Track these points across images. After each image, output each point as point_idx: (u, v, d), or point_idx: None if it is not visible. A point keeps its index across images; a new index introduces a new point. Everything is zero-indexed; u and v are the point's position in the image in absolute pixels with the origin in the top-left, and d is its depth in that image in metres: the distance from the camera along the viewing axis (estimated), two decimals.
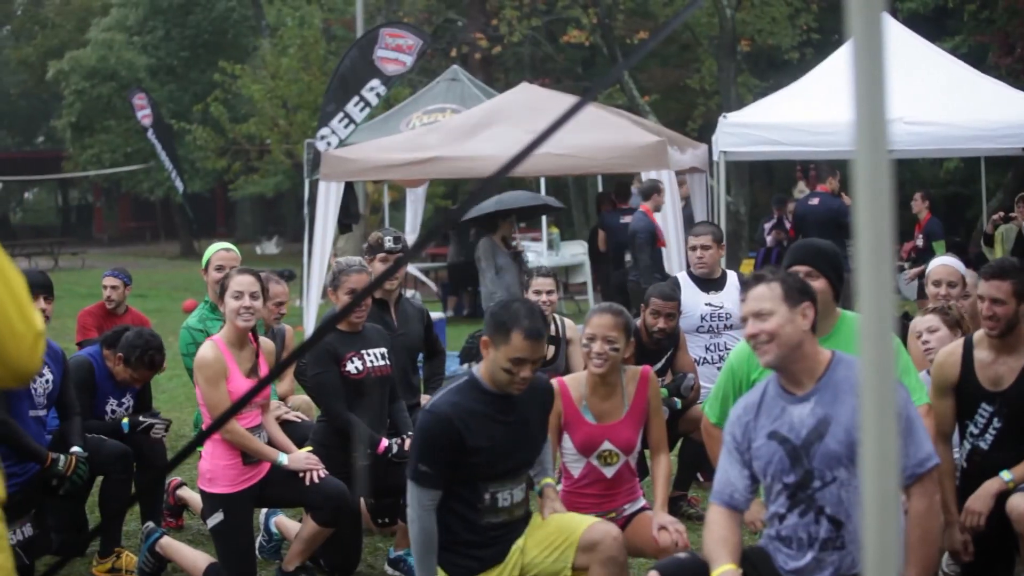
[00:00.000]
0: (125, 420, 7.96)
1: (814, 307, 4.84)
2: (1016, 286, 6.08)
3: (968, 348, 6.29)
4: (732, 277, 9.28)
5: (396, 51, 17.54)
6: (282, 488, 6.99)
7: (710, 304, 9.09)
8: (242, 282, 6.92)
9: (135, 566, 7.44)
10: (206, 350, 6.88)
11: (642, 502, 6.58)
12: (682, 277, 9.35)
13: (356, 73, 17.54)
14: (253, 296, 6.90)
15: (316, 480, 6.92)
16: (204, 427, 7.32)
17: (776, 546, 4.93)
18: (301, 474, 6.94)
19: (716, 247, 9.26)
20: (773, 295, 4.79)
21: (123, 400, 8.06)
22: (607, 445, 6.33)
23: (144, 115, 31.25)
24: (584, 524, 5.79)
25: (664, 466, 6.49)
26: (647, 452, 7.04)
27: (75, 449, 7.23)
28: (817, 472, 4.74)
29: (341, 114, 17.44)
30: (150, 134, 31.53)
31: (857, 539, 4.67)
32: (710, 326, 9.09)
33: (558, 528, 5.82)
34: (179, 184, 32.07)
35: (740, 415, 4.98)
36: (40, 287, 7.62)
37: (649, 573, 5.10)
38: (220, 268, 8.45)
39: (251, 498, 6.99)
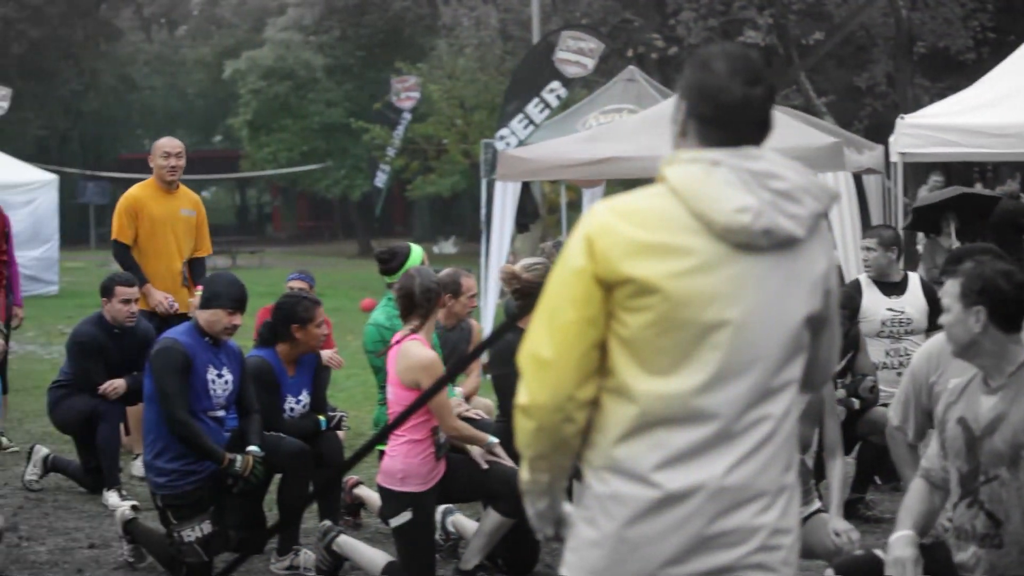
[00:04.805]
0: (322, 418, 7.97)
1: (987, 309, 4.78)
2: None
3: None
4: (914, 280, 9.14)
5: (577, 54, 17.64)
6: (462, 481, 6.97)
7: (891, 309, 8.97)
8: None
9: (313, 564, 7.45)
10: (423, 351, 6.81)
11: (816, 504, 6.58)
12: (864, 280, 9.18)
13: (536, 74, 17.65)
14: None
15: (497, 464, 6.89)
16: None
17: (949, 537, 4.98)
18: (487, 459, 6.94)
19: (882, 250, 9.05)
20: (951, 291, 4.82)
21: (300, 398, 7.98)
22: None
23: (407, 97, 32.53)
24: None
25: (839, 469, 6.49)
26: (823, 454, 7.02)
27: (252, 449, 7.28)
28: (983, 467, 4.76)
29: (521, 115, 17.55)
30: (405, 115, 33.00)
31: (1017, 541, 4.71)
32: (891, 331, 8.97)
33: None
34: (380, 181, 33.32)
35: (947, 398, 5.00)
36: (237, 302, 7.47)
37: (825, 572, 5.19)
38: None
39: (436, 495, 6.95)
